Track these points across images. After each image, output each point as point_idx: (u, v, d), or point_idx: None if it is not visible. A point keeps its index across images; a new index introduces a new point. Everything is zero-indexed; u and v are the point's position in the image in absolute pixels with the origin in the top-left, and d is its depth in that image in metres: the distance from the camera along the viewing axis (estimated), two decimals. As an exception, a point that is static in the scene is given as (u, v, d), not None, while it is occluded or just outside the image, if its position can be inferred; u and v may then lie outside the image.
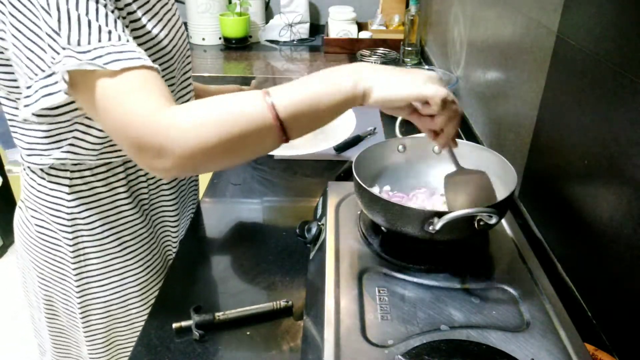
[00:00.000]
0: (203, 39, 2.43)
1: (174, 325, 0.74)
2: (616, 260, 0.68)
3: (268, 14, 2.58)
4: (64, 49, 0.60)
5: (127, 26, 0.69)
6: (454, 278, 0.70)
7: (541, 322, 0.63)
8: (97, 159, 0.79)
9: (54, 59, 0.61)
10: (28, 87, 0.64)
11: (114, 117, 0.60)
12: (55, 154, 0.76)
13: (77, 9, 0.60)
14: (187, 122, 0.58)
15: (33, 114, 0.65)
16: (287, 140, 0.61)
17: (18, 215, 0.90)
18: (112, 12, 0.63)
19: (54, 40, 0.60)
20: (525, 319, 0.64)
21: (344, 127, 0.98)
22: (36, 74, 0.63)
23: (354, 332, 0.61)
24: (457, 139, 0.71)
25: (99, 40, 0.60)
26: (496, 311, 0.65)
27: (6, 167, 2.50)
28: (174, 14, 0.82)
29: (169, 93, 0.63)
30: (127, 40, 0.62)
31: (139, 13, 0.72)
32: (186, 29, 2.43)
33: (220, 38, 2.44)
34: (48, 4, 0.59)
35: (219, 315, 0.75)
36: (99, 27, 0.60)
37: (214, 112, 0.59)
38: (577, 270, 0.78)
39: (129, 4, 0.71)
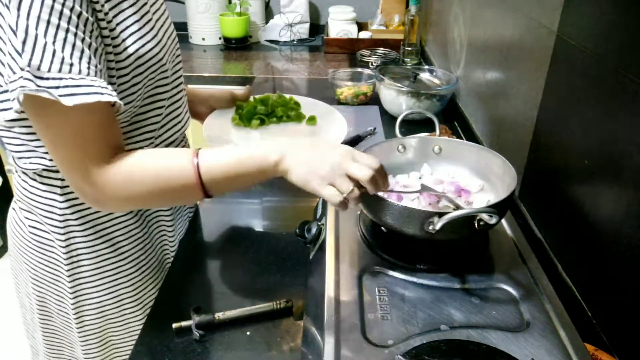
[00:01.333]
0: (203, 39, 2.43)
1: (174, 325, 0.74)
2: (616, 260, 0.68)
3: (268, 14, 2.58)
4: (22, 69, 0.61)
5: (105, 36, 0.68)
6: (454, 278, 0.70)
7: (541, 322, 0.63)
8: None
9: (9, 77, 0.62)
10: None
11: (58, 154, 0.68)
12: (41, 161, 0.77)
13: (45, 35, 0.60)
14: (120, 182, 0.68)
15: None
16: (210, 196, 0.71)
17: (11, 216, 0.90)
18: (82, 40, 0.63)
19: (14, 59, 0.61)
20: (525, 319, 0.64)
21: (335, 135, 0.99)
22: (1, 85, 0.66)
23: (354, 332, 0.61)
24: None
25: (59, 71, 0.61)
26: (496, 311, 0.65)
27: (6, 167, 2.50)
28: (162, 14, 0.82)
29: (117, 136, 0.71)
30: (88, 74, 0.63)
31: (122, 17, 0.71)
32: (186, 29, 2.45)
33: (220, 38, 2.44)
34: (17, 25, 0.60)
35: (219, 315, 0.75)
36: (62, 58, 0.61)
37: (146, 171, 0.69)
38: (577, 270, 0.78)
39: (117, 5, 0.70)
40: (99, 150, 0.68)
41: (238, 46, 2.40)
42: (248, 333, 0.75)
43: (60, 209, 0.81)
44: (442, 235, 0.68)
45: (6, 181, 2.49)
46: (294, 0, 2.40)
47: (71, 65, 0.62)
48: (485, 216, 0.64)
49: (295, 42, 2.46)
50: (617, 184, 0.68)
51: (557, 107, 0.86)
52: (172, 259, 0.97)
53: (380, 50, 2.16)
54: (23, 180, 0.83)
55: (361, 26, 2.40)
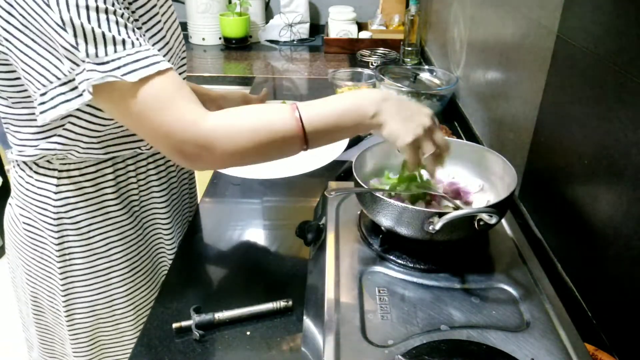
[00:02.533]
0: (203, 39, 2.43)
1: (174, 325, 0.74)
2: (616, 260, 0.68)
3: (268, 14, 2.58)
4: (83, 61, 0.63)
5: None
6: (454, 278, 0.70)
7: (541, 322, 0.63)
8: (85, 154, 0.79)
9: (73, 69, 0.64)
10: (43, 94, 0.68)
11: (151, 126, 0.66)
12: (44, 144, 0.77)
13: (89, 22, 0.62)
14: (226, 130, 0.67)
15: (52, 119, 0.70)
16: (306, 149, 0.70)
17: (8, 212, 0.90)
18: (122, 15, 0.65)
19: (72, 53, 0.63)
20: (525, 319, 0.64)
21: (334, 146, 0.98)
22: (51, 82, 0.67)
23: (354, 332, 0.61)
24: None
25: (115, 51, 0.63)
26: (496, 311, 0.65)
27: (6, 167, 2.50)
28: (170, 16, 0.83)
29: (190, 92, 0.69)
30: (140, 44, 0.65)
31: (138, 14, 0.73)
32: (186, 29, 2.45)
33: (220, 38, 2.44)
34: (62, 21, 0.61)
35: (219, 315, 0.75)
36: (113, 37, 0.63)
37: (248, 121, 0.68)
38: (577, 270, 0.78)
39: (131, 4, 0.71)
40: (192, 107, 0.67)
41: (238, 46, 2.40)
42: (248, 333, 0.75)
43: (54, 206, 0.82)
44: (442, 235, 0.68)
45: (6, 181, 2.49)
46: (294, 0, 2.40)
47: (123, 42, 0.64)
48: (485, 216, 0.64)
49: (295, 42, 2.45)
50: (617, 184, 0.68)
51: (557, 107, 0.86)
52: (170, 261, 0.97)
53: (380, 50, 2.16)
54: (19, 176, 0.84)
55: (361, 26, 2.40)
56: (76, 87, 0.66)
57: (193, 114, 0.67)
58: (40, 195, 0.82)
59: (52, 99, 0.68)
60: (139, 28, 0.72)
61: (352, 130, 0.71)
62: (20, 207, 0.86)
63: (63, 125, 0.75)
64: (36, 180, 0.82)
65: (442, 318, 0.64)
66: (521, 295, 0.67)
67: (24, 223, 0.86)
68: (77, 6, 0.61)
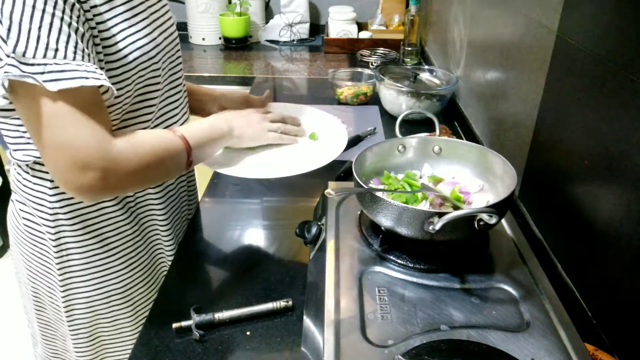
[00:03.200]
0: (203, 39, 2.43)
1: (174, 325, 0.74)
2: (616, 260, 0.68)
3: (268, 14, 2.58)
4: (7, 56, 0.62)
5: (93, 27, 0.69)
6: (454, 278, 0.70)
7: (541, 322, 0.63)
8: None
9: None
10: None
11: (57, 136, 0.66)
12: (34, 152, 0.77)
13: (30, 22, 0.61)
14: (131, 148, 0.72)
15: None
16: (191, 163, 0.82)
17: (10, 208, 0.91)
18: (69, 25, 0.64)
19: (0, 47, 0.62)
20: (525, 319, 0.64)
21: (334, 146, 0.97)
22: None
23: (354, 332, 0.61)
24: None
25: (44, 56, 0.62)
26: (496, 311, 0.65)
27: (6, 167, 2.50)
28: (162, 15, 0.82)
29: (107, 117, 0.72)
30: (74, 58, 0.64)
31: (113, 14, 0.72)
32: (186, 29, 2.45)
33: (220, 38, 2.44)
34: (2, 12, 0.61)
35: (219, 315, 0.75)
36: (47, 43, 0.62)
37: (147, 145, 0.75)
38: (577, 270, 0.78)
39: (99, 6, 0.70)
40: (99, 128, 0.68)
41: (238, 46, 2.39)
42: (248, 333, 0.75)
43: (50, 202, 0.82)
44: (442, 235, 0.68)
45: (6, 181, 2.49)
46: (294, 0, 2.40)
47: (56, 50, 0.63)
48: (485, 216, 0.64)
49: (295, 42, 2.45)
50: (617, 184, 0.68)
51: (557, 107, 0.86)
52: (168, 259, 0.97)
53: (380, 50, 2.16)
54: (18, 173, 0.84)
55: (361, 26, 2.40)
56: None
57: (105, 133, 0.69)
58: (36, 191, 0.83)
59: None
60: (117, 24, 0.72)
61: (220, 143, 0.88)
62: (20, 202, 0.86)
63: None
64: (32, 177, 0.82)
65: (442, 318, 0.64)
66: (521, 295, 0.67)
67: (23, 218, 0.87)
68: (24, 3, 0.60)
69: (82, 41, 0.66)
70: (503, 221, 0.82)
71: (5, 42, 0.61)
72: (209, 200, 1.11)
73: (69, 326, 0.92)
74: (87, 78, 0.64)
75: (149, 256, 0.95)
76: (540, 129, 0.92)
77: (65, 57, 0.63)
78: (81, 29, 0.66)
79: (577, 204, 0.78)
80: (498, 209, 0.66)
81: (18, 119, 0.75)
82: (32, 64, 0.62)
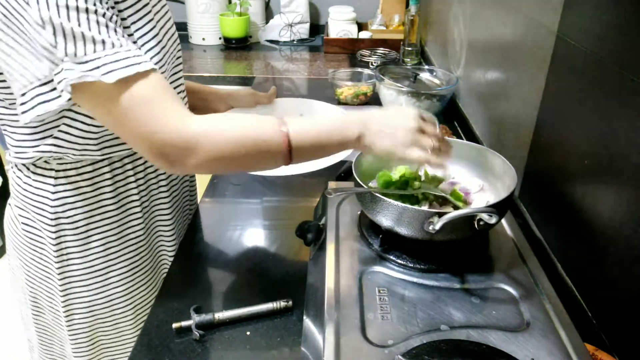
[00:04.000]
0: (203, 39, 2.43)
1: (174, 325, 0.74)
2: (616, 260, 0.68)
3: (268, 14, 2.58)
4: (62, 60, 0.63)
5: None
6: (454, 278, 0.70)
7: (541, 322, 0.63)
8: (81, 155, 0.79)
9: (52, 69, 0.64)
10: (22, 95, 0.68)
11: (133, 126, 0.65)
12: (41, 147, 0.77)
13: (69, 21, 0.61)
14: (212, 134, 0.66)
15: (32, 119, 0.70)
16: (289, 164, 0.71)
17: (7, 212, 0.90)
18: (104, 15, 0.65)
19: (51, 52, 0.63)
20: (525, 319, 0.64)
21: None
22: (31, 82, 0.67)
23: (354, 332, 0.61)
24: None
25: (94, 51, 0.63)
26: (496, 311, 0.65)
27: (6, 167, 2.50)
28: (163, 15, 0.82)
29: (174, 93, 0.68)
30: (121, 44, 0.65)
31: (127, 13, 0.72)
32: (186, 29, 2.45)
33: (220, 38, 2.44)
34: (42, 19, 0.61)
35: (219, 315, 0.75)
36: (92, 37, 0.63)
37: (235, 128, 0.68)
38: (577, 270, 0.78)
39: (118, 3, 0.71)
40: (172, 105, 0.67)
41: (238, 46, 2.39)
42: (248, 333, 0.75)
43: (51, 206, 0.81)
44: (442, 236, 0.68)
45: (6, 182, 2.49)
46: (294, 0, 2.40)
47: (103, 42, 0.63)
48: (485, 216, 0.64)
49: (295, 42, 2.45)
50: (617, 184, 0.68)
51: (557, 107, 0.86)
52: (170, 260, 0.97)
53: (380, 50, 2.16)
54: (17, 177, 0.84)
55: (361, 26, 2.40)
56: (55, 88, 0.66)
57: (177, 115, 0.66)
58: (37, 195, 0.82)
59: (31, 99, 0.68)
60: (127, 27, 0.72)
61: (336, 150, 0.74)
62: (19, 208, 0.86)
63: (58, 126, 0.75)
64: (34, 180, 0.82)
65: (442, 318, 0.64)
66: (521, 295, 0.67)
67: (22, 223, 0.86)
68: (57, 5, 0.61)
69: (117, 26, 0.66)
70: (503, 221, 0.82)
71: (55, 46, 0.62)
72: (209, 200, 1.11)
73: (69, 331, 0.91)
74: (139, 63, 0.64)
75: (152, 258, 0.95)
76: (540, 129, 0.92)
77: (113, 46, 0.64)
78: (115, 17, 0.67)
79: (577, 204, 0.78)
80: (498, 208, 0.66)
81: (18, 120, 0.75)
82: (86, 62, 0.62)
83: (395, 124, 0.72)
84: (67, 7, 0.61)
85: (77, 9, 0.62)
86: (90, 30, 0.63)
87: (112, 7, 0.69)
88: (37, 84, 0.67)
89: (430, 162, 0.73)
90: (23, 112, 0.69)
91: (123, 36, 0.66)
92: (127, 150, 0.83)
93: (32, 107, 0.68)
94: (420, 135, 0.72)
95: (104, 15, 0.65)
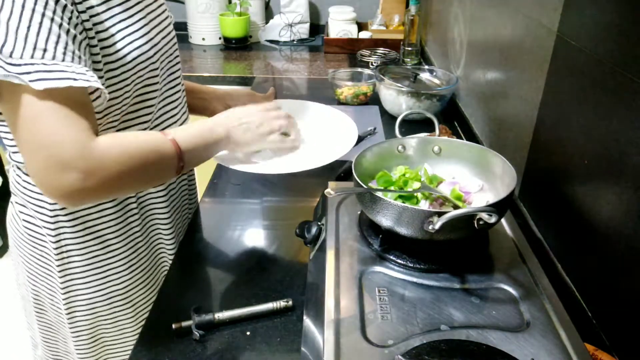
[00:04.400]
0: (203, 39, 2.43)
1: (174, 325, 0.74)
2: (616, 260, 0.68)
3: (268, 14, 2.58)
4: None
5: (90, 29, 0.69)
6: (454, 278, 0.70)
7: (541, 322, 0.63)
8: None
9: None
10: None
11: (38, 135, 0.63)
12: None
13: (18, 21, 0.60)
14: (116, 150, 0.68)
15: None
16: (182, 168, 0.77)
17: (9, 210, 0.91)
18: (60, 25, 0.63)
19: None
20: (525, 319, 0.64)
21: (344, 142, 0.98)
22: None
23: (354, 332, 0.61)
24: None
25: (31, 57, 0.61)
26: (496, 311, 0.65)
27: (6, 167, 2.50)
28: (158, 15, 0.82)
29: (93, 119, 0.69)
30: (63, 59, 0.63)
31: (110, 14, 0.71)
32: (186, 29, 2.45)
33: (220, 38, 2.44)
34: None
35: (219, 315, 0.75)
36: (35, 43, 0.61)
37: (133, 147, 0.70)
38: (577, 270, 0.78)
39: (96, 6, 0.70)
40: (86, 128, 0.66)
41: (238, 46, 2.39)
42: (248, 333, 0.75)
43: (50, 204, 0.82)
44: (441, 235, 0.68)
45: (6, 181, 2.49)
46: (294, 0, 2.40)
47: (44, 50, 0.61)
48: (484, 215, 0.64)
49: (295, 42, 2.45)
50: (617, 184, 0.68)
51: (557, 107, 0.86)
52: (170, 259, 0.97)
53: (380, 50, 2.16)
54: (17, 175, 0.84)
55: (361, 26, 2.40)
56: None
57: (88, 133, 0.65)
58: (36, 193, 0.82)
59: None
60: (109, 27, 0.71)
61: (216, 149, 0.83)
62: (20, 205, 0.86)
63: None
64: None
65: (442, 318, 0.64)
66: (521, 295, 0.67)
67: (23, 220, 0.86)
68: (13, 3, 0.60)
69: (73, 43, 0.64)
70: (503, 221, 0.82)
71: None
72: (209, 200, 1.11)
73: (71, 328, 0.91)
74: (75, 79, 0.63)
75: (151, 256, 0.95)
76: (540, 129, 0.92)
77: (54, 58, 0.62)
78: (73, 31, 0.65)
79: (577, 203, 0.78)
80: (498, 208, 0.66)
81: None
82: (19, 64, 0.60)
83: (245, 114, 0.86)
84: (23, 6, 0.60)
85: (33, 11, 0.61)
86: (37, 35, 0.61)
87: (83, 12, 0.67)
88: None
89: (283, 145, 0.91)
90: None
91: (73, 52, 0.64)
92: None
93: None
94: (267, 114, 0.88)
95: (60, 25, 0.63)
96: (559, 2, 0.84)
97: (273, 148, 0.92)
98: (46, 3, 0.61)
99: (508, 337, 0.60)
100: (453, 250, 0.74)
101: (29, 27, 0.61)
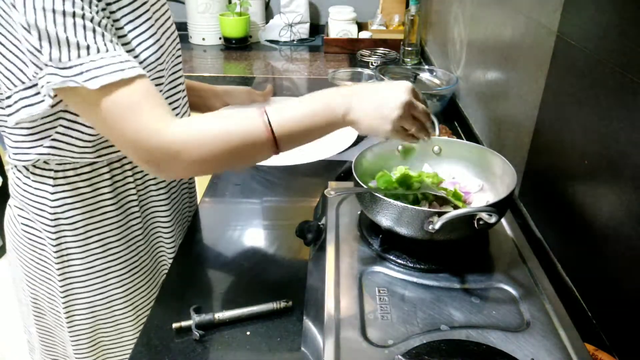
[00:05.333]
0: (203, 39, 2.43)
1: (174, 325, 0.74)
2: (616, 260, 0.68)
3: (268, 14, 2.58)
4: (46, 65, 0.62)
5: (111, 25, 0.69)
6: (454, 278, 0.70)
7: (541, 322, 0.63)
8: (80, 157, 0.78)
9: (37, 73, 0.64)
10: (8, 97, 0.69)
11: (118, 132, 0.65)
12: (39, 149, 0.77)
13: (55, 26, 0.61)
14: (192, 138, 0.66)
15: (16, 122, 0.71)
16: (278, 152, 0.68)
17: (7, 213, 0.90)
18: (91, 19, 0.64)
19: (36, 56, 0.63)
20: (525, 319, 0.64)
21: (345, 135, 0.97)
22: (15, 85, 0.67)
23: (354, 332, 0.61)
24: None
25: (78, 56, 0.62)
26: (496, 311, 0.65)
27: (6, 167, 2.50)
28: (163, 14, 0.82)
29: (160, 99, 0.68)
30: (107, 50, 0.64)
31: (121, 13, 0.72)
32: (186, 29, 2.45)
33: (220, 38, 2.44)
34: (28, 23, 0.61)
35: (219, 315, 0.75)
36: (77, 43, 0.62)
37: (215, 128, 0.67)
38: (577, 270, 0.78)
39: (110, 4, 0.70)
40: (154, 111, 0.66)
41: (238, 46, 2.39)
42: (248, 333, 0.75)
43: (51, 207, 0.81)
44: (441, 235, 0.68)
45: (6, 182, 2.49)
46: (294, 0, 2.40)
47: (88, 47, 0.62)
48: (484, 215, 0.64)
49: (295, 42, 2.45)
50: (617, 184, 0.68)
51: (557, 107, 0.86)
52: (169, 261, 0.97)
53: (380, 50, 2.16)
54: (17, 177, 0.84)
55: (361, 26, 2.40)
56: (39, 92, 0.66)
57: (158, 121, 0.65)
58: (37, 196, 0.82)
59: (15, 102, 0.68)
60: (120, 28, 0.71)
61: (325, 130, 0.69)
62: (19, 208, 0.86)
63: (55, 128, 0.74)
64: (33, 181, 0.81)
65: (442, 318, 0.64)
66: (521, 295, 0.67)
67: (22, 224, 0.86)
68: (44, 9, 0.60)
69: (106, 31, 0.65)
70: (503, 221, 0.82)
71: (40, 51, 0.62)
72: (209, 200, 1.11)
73: (70, 332, 0.91)
74: (123, 70, 0.63)
75: (151, 258, 0.95)
76: (540, 129, 0.92)
77: (98, 52, 0.63)
78: (103, 21, 0.66)
79: (577, 203, 0.78)
80: (498, 208, 0.66)
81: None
82: (70, 67, 0.62)
83: (383, 99, 0.68)
84: (54, 11, 0.61)
85: (64, 13, 0.61)
86: (75, 35, 0.62)
87: (104, 9, 0.68)
88: (22, 87, 0.67)
89: (410, 141, 0.72)
90: (9, 115, 0.70)
91: (111, 41, 0.65)
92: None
93: (17, 110, 0.69)
94: (408, 111, 0.68)
95: (91, 19, 0.63)
96: (559, 2, 0.84)
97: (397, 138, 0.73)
98: (73, 1, 0.62)
99: (508, 337, 0.60)
100: (453, 250, 0.74)
101: (65, 29, 0.61)
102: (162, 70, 0.80)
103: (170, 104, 0.88)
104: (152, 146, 0.65)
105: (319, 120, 0.68)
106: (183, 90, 0.91)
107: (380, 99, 0.68)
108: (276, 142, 0.67)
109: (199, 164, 0.67)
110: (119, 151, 0.81)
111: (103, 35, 0.64)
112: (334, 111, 0.67)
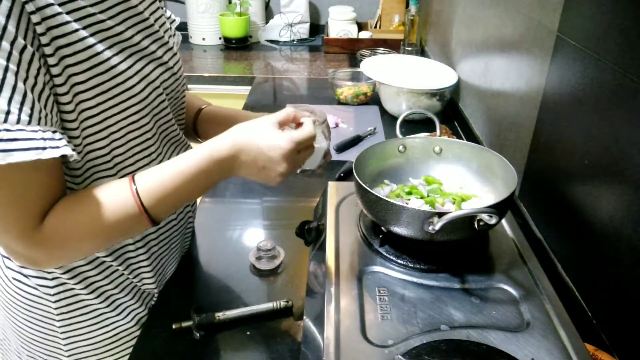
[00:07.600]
0: (203, 39, 2.43)
1: (174, 325, 0.74)
2: (616, 260, 0.68)
3: (268, 14, 2.58)
4: None
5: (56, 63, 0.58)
6: (454, 278, 0.70)
7: (541, 322, 0.63)
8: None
9: None
10: None
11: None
12: None
13: None
14: (61, 241, 0.61)
15: None
16: (156, 223, 0.65)
17: None
18: (25, 80, 0.54)
19: None
20: (525, 319, 0.64)
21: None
22: None
23: (354, 332, 0.61)
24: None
25: None
26: (496, 311, 0.65)
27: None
28: (161, 46, 0.73)
29: (61, 191, 0.62)
30: (29, 123, 0.54)
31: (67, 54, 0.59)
32: (186, 29, 2.45)
33: (220, 38, 2.44)
34: None
35: (219, 315, 0.75)
36: None
37: (87, 218, 0.61)
38: (577, 270, 0.78)
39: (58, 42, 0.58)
40: (40, 210, 0.59)
41: (238, 46, 2.40)
42: (248, 333, 0.75)
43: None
44: (442, 236, 0.68)
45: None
46: (294, 0, 2.40)
47: (7, 113, 0.52)
48: (485, 216, 0.64)
49: (295, 42, 2.45)
50: (617, 184, 0.68)
51: (557, 107, 0.86)
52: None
53: (380, 50, 2.16)
54: None
55: (361, 26, 2.40)
56: None
57: (38, 217, 0.59)
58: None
59: None
60: (71, 65, 0.59)
61: (205, 190, 0.68)
62: (13, 270, 0.75)
63: None
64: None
65: (442, 318, 0.64)
66: (521, 295, 0.67)
67: (13, 279, 0.75)
68: None
69: (39, 100, 0.55)
70: (503, 221, 0.82)
71: None
72: (209, 200, 1.11)
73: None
74: (43, 148, 0.54)
75: (141, 305, 0.84)
76: (540, 129, 0.92)
77: (18, 122, 0.53)
78: (40, 84, 0.56)
79: (577, 204, 0.78)
80: (498, 209, 0.66)
81: None
82: None
83: (268, 160, 0.65)
84: None
85: None
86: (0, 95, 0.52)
87: (50, 55, 0.57)
88: None
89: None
90: None
91: (39, 112, 0.55)
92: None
93: None
94: (292, 158, 0.66)
95: (25, 80, 0.53)
96: (559, 2, 0.84)
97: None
98: (9, 54, 0.52)
99: (508, 337, 0.60)
100: (453, 250, 0.74)
101: None
102: (143, 109, 0.69)
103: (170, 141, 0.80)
104: (19, 242, 0.59)
105: (199, 186, 0.66)
106: (180, 129, 0.82)
107: (262, 164, 0.66)
108: (148, 213, 0.63)
109: (70, 255, 0.65)
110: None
111: (33, 103, 0.54)
112: (214, 179, 0.66)
